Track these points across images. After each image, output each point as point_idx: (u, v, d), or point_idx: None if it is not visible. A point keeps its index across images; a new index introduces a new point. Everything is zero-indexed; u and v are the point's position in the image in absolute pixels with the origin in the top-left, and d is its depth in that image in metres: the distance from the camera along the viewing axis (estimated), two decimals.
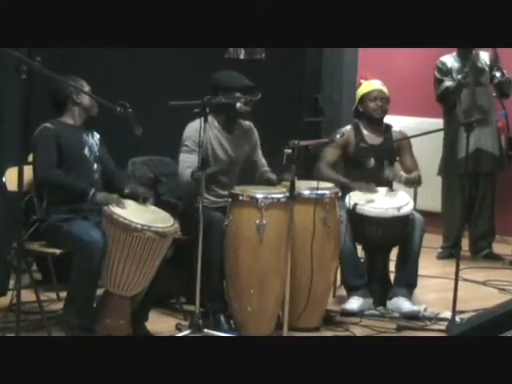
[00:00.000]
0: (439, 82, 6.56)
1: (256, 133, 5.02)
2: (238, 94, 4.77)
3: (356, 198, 5.03)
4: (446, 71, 6.56)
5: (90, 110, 4.46)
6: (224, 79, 4.83)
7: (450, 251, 6.56)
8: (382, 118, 5.36)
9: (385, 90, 5.34)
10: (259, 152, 5.04)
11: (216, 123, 4.83)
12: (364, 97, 5.33)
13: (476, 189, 6.60)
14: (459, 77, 6.47)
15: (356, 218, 4.98)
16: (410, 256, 5.09)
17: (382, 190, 5.15)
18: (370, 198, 5.04)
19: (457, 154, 6.44)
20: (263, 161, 5.04)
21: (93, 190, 4.31)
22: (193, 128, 4.65)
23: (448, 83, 6.51)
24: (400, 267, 5.15)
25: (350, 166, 5.30)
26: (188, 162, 4.65)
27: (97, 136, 4.59)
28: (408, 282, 5.11)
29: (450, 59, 6.58)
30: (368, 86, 5.37)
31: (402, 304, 5.00)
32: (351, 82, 7.25)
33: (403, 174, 5.21)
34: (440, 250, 6.70)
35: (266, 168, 5.01)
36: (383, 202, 5.04)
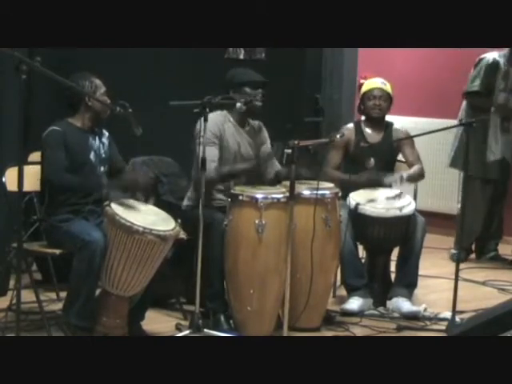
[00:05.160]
0: (496, 89, 6.37)
1: (266, 132, 5.01)
2: (247, 89, 4.77)
3: (358, 198, 5.03)
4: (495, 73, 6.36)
5: (101, 113, 4.44)
6: (234, 75, 4.84)
7: (467, 254, 6.57)
8: (381, 116, 5.35)
9: (386, 88, 5.33)
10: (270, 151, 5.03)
11: (231, 118, 4.83)
12: (364, 95, 5.34)
13: (496, 191, 6.61)
14: None
15: (358, 218, 4.98)
16: (410, 256, 5.09)
17: (385, 190, 5.15)
18: (372, 198, 5.05)
19: (483, 156, 6.37)
20: (274, 159, 5.01)
21: (98, 172, 4.38)
22: (211, 120, 4.52)
23: (503, 96, 6.36)
24: (400, 267, 5.15)
25: (350, 164, 5.30)
26: (211, 155, 4.56)
27: (106, 134, 4.57)
28: (408, 282, 5.11)
29: (500, 59, 6.38)
30: (368, 84, 5.38)
31: (401, 304, 5.00)
32: (351, 81, 7.26)
33: (403, 174, 5.20)
34: (454, 251, 6.47)
35: (278, 165, 4.97)
36: (385, 202, 5.04)
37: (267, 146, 4.99)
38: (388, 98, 5.32)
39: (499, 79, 6.37)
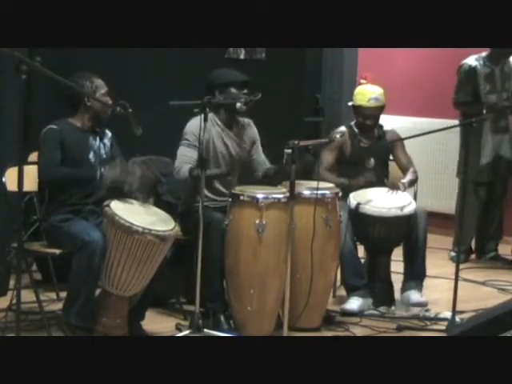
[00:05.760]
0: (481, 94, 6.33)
1: (255, 130, 5.01)
2: (233, 90, 4.77)
3: (358, 198, 5.04)
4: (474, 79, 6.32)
5: (101, 113, 4.45)
6: (218, 76, 4.84)
7: (467, 256, 6.59)
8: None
9: (378, 104, 5.26)
10: (260, 149, 5.03)
11: (218, 121, 4.84)
12: (357, 107, 5.30)
13: (490, 193, 6.60)
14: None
15: (359, 218, 4.99)
16: (416, 248, 5.13)
17: (383, 189, 5.16)
18: (373, 198, 5.05)
19: (478, 159, 6.36)
20: (263, 157, 5.02)
21: (97, 173, 4.36)
22: (196, 123, 4.55)
23: (493, 97, 6.32)
24: (408, 261, 5.20)
25: (347, 166, 5.29)
26: (187, 156, 4.63)
27: (108, 135, 4.57)
28: (417, 274, 5.18)
29: (477, 63, 6.35)
30: (361, 98, 5.27)
31: (411, 295, 5.09)
32: (351, 81, 7.25)
33: (404, 181, 5.22)
34: (453, 253, 6.53)
35: (268, 165, 4.99)
36: (386, 201, 5.05)
37: (258, 145, 5.00)
38: (381, 110, 5.31)
39: (482, 83, 6.34)
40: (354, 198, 5.05)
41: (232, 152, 4.87)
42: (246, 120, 4.96)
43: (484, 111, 6.24)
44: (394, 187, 5.13)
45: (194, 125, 4.64)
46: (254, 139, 5.00)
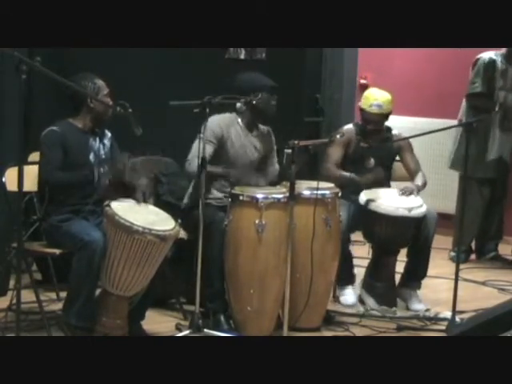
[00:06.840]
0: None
1: (273, 138, 5.02)
2: (265, 94, 4.78)
3: (369, 195, 5.07)
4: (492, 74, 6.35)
5: (103, 115, 4.45)
6: (250, 80, 4.86)
7: (467, 255, 6.60)
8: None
9: (380, 110, 5.21)
10: (275, 159, 5.03)
11: (240, 121, 4.84)
12: (365, 110, 5.28)
13: (493, 192, 6.60)
14: None
15: (367, 215, 5.02)
16: (424, 249, 5.16)
17: (396, 191, 5.17)
18: (383, 197, 5.07)
19: (484, 155, 6.38)
20: (276, 166, 5.03)
21: (96, 173, 4.35)
22: (216, 121, 4.65)
23: (502, 94, 6.34)
24: (412, 260, 5.23)
25: (350, 165, 5.30)
26: (200, 151, 4.62)
27: (108, 135, 4.57)
28: (420, 275, 5.24)
29: (496, 57, 6.37)
30: (366, 102, 5.24)
31: (412, 304, 5.16)
32: (351, 81, 7.26)
33: (418, 184, 5.23)
34: (453, 253, 6.52)
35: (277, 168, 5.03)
36: (395, 201, 5.06)
37: (274, 155, 5.00)
38: (383, 117, 5.27)
39: (498, 77, 6.37)
40: (365, 195, 5.07)
41: (249, 154, 4.86)
42: (266, 128, 4.97)
43: (496, 108, 6.25)
44: (408, 190, 5.12)
45: (214, 122, 4.65)
46: (271, 147, 5.01)
